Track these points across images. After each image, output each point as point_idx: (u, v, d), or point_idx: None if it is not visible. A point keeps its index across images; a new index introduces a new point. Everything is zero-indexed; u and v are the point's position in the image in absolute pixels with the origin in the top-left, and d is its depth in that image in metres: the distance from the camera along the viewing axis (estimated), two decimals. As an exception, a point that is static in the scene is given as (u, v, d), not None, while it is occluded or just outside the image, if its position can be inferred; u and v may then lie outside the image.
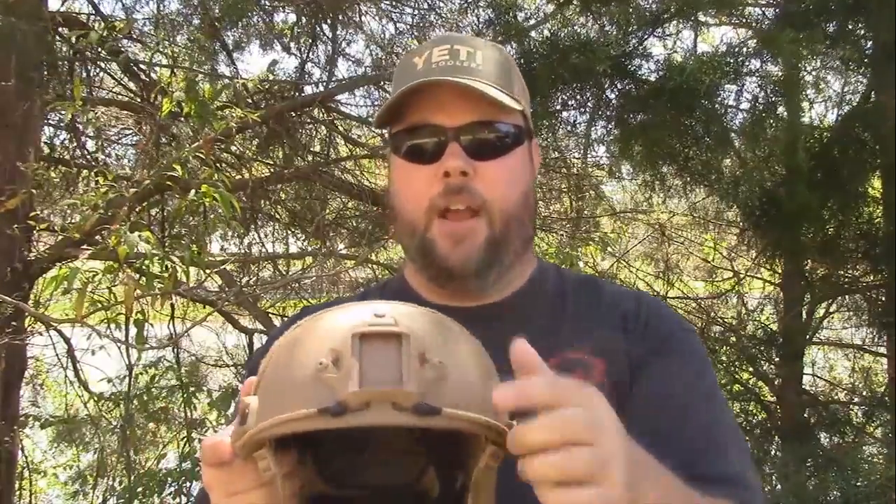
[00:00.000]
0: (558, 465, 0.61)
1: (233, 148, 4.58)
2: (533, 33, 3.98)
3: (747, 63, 3.63)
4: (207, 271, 3.56)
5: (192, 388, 4.96)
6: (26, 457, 5.03)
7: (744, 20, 4.44)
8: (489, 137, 0.98)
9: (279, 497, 0.67)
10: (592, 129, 4.33)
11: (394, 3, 5.09)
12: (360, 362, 0.60)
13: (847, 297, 4.47)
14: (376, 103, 5.12)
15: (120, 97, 5.12)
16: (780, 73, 3.73)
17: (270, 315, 4.75)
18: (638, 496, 0.66)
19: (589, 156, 5.13)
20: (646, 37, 3.74)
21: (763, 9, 4.46)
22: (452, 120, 0.96)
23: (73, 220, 3.28)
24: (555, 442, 0.61)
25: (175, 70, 4.01)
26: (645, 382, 0.95)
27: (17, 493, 4.82)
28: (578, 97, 3.94)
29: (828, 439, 4.16)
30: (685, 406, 0.94)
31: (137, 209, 3.36)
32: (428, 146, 0.97)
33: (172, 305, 4.53)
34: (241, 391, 0.70)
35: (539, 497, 0.61)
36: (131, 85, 5.03)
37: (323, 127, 5.32)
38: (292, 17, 5.04)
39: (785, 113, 3.87)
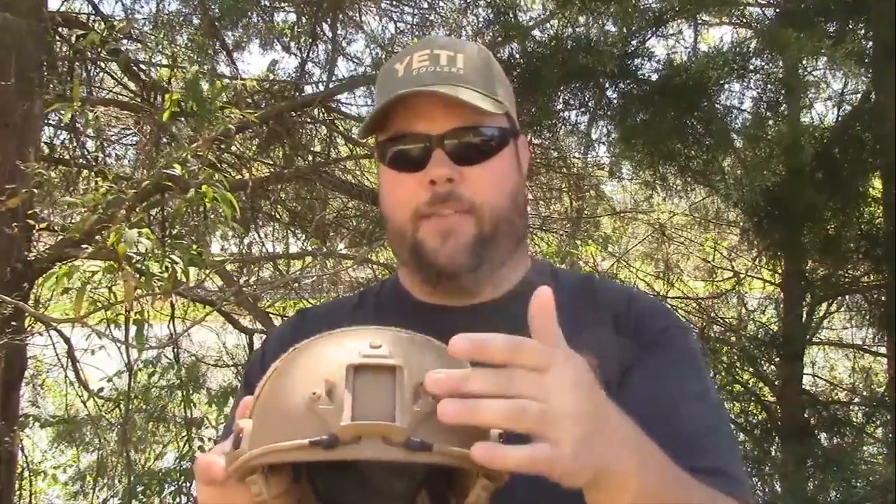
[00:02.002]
0: (504, 408, 0.60)
1: (233, 148, 4.58)
2: (536, 32, 3.98)
3: (750, 61, 3.63)
4: (207, 271, 3.56)
5: (191, 388, 4.96)
6: (26, 457, 5.03)
7: (744, 20, 4.44)
8: (473, 142, 0.98)
9: None
10: (593, 128, 4.33)
11: (394, 3, 5.08)
12: (352, 395, 0.61)
13: (848, 297, 4.47)
14: (374, 104, 5.10)
15: (120, 97, 5.13)
16: (781, 73, 3.73)
17: (270, 315, 4.75)
18: (609, 463, 0.67)
19: (589, 156, 5.13)
20: (648, 37, 3.74)
21: (763, 8, 4.46)
22: (435, 127, 0.97)
23: (73, 220, 3.28)
24: (499, 392, 0.61)
25: (175, 70, 4.02)
26: (635, 378, 0.95)
27: (17, 493, 4.82)
28: (579, 97, 3.94)
29: (828, 440, 4.16)
30: (675, 401, 0.94)
31: (137, 209, 3.36)
32: (412, 154, 0.98)
33: (172, 305, 4.54)
34: (238, 410, 0.71)
35: (479, 455, 0.60)
36: (131, 85, 5.03)
37: (323, 127, 5.32)
38: (292, 17, 5.04)
39: (787, 113, 3.87)
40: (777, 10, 4.16)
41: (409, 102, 0.96)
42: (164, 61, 4.46)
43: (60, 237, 3.56)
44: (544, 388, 0.63)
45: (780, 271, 4.49)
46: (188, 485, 4.67)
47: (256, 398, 0.69)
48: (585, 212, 5.56)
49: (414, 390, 0.62)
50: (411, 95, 0.96)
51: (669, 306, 1.27)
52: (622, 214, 5.93)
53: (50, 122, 4.63)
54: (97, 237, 3.48)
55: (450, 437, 0.61)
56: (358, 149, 5.31)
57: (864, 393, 4.82)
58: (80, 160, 4.72)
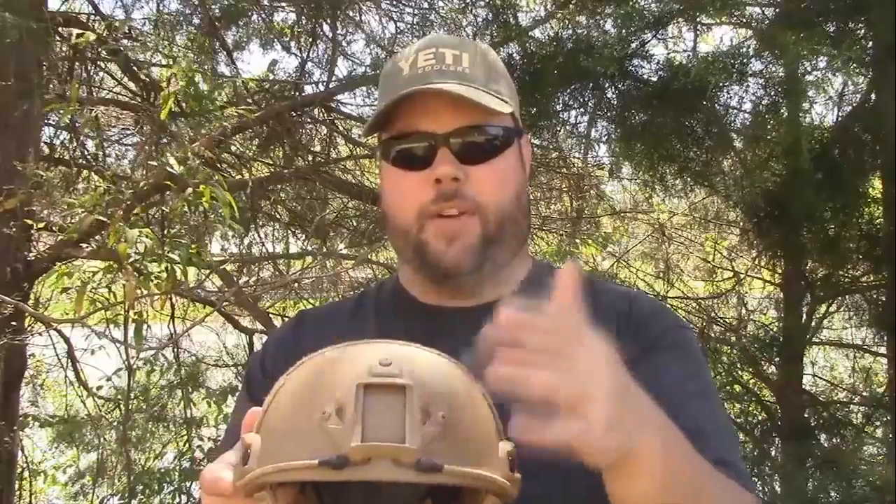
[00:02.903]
0: (548, 379, 0.65)
1: (233, 148, 4.58)
2: (536, 32, 3.98)
3: (749, 64, 3.62)
4: (206, 271, 3.56)
5: (190, 387, 4.96)
6: (26, 457, 5.03)
7: (744, 20, 4.43)
8: (479, 141, 0.98)
9: None
10: (593, 129, 4.33)
11: (394, 3, 5.08)
12: (362, 415, 0.61)
13: (848, 297, 4.46)
14: (376, 103, 5.10)
15: (120, 97, 5.12)
16: (781, 74, 3.72)
17: (270, 315, 4.74)
18: (635, 443, 0.69)
19: (589, 156, 5.13)
20: (647, 38, 3.74)
21: (763, 8, 4.45)
22: (441, 126, 0.96)
23: (72, 221, 3.28)
24: (545, 360, 0.66)
25: (173, 68, 4.01)
26: (637, 380, 0.95)
27: (17, 493, 4.82)
28: (579, 98, 3.93)
29: (828, 440, 4.16)
30: (678, 400, 0.93)
31: (137, 209, 3.35)
32: (417, 152, 0.97)
33: (172, 305, 4.54)
34: (245, 422, 0.71)
35: (518, 430, 0.64)
36: (131, 85, 5.03)
37: (323, 127, 5.32)
38: (292, 17, 5.04)
39: (786, 114, 3.86)
40: (777, 11, 4.15)
41: (415, 100, 0.96)
42: (164, 61, 4.45)
43: (60, 237, 3.56)
44: (580, 363, 0.66)
45: (780, 271, 4.48)
46: (187, 484, 4.68)
47: (264, 412, 0.69)
48: (585, 212, 5.56)
49: (424, 409, 0.62)
50: (417, 93, 0.95)
51: (670, 306, 1.26)
52: (622, 214, 5.93)
53: (50, 122, 4.63)
54: (96, 237, 3.48)
55: (459, 457, 0.62)
56: (358, 149, 5.31)
57: (864, 393, 4.81)
58: (80, 160, 4.72)
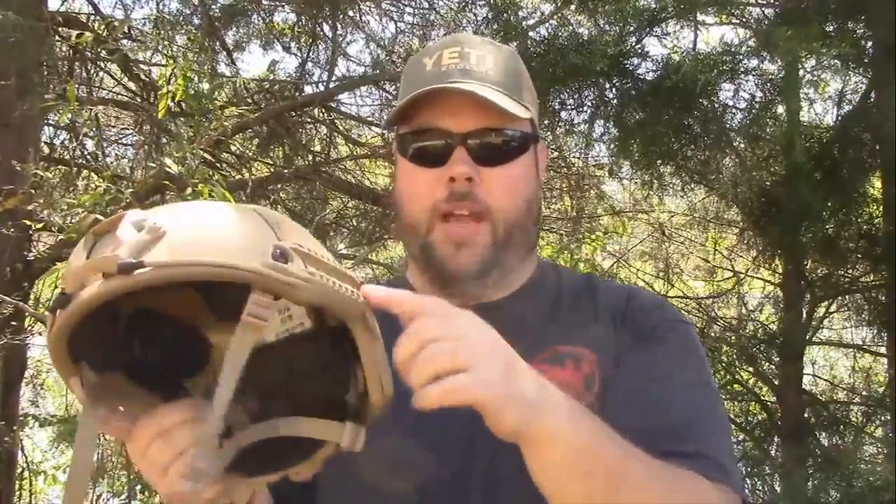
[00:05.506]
0: (428, 355, 0.68)
1: (233, 148, 4.58)
2: (532, 33, 3.98)
3: (745, 61, 3.62)
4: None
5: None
6: (26, 457, 5.03)
7: (744, 20, 4.43)
8: (496, 143, 0.98)
9: None
10: (592, 128, 4.32)
11: (394, 3, 5.08)
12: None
13: (847, 296, 4.46)
14: (376, 103, 5.12)
15: (120, 97, 5.12)
16: (777, 72, 3.72)
17: (270, 315, 4.73)
18: (542, 400, 0.72)
19: (589, 155, 5.12)
20: (643, 36, 3.74)
21: (763, 9, 4.45)
22: (460, 125, 0.97)
23: (72, 221, 3.28)
24: (421, 345, 0.69)
25: (172, 68, 4.01)
26: (624, 369, 0.95)
27: (17, 493, 4.82)
28: (577, 96, 3.93)
29: (828, 440, 4.16)
30: (664, 390, 0.94)
31: (136, 208, 3.34)
32: (434, 150, 0.98)
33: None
34: None
35: (421, 400, 0.68)
36: (131, 85, 5.03)
37: (323, 127, 5.32)
38: (292, 17, 5.04)
39: (784, 112, 3.86)
40: (777, 11, 4.15)
41: (436, 98, 0.96)
42: (164, 61, 4.45)
43: (60, 237, 3.56)
44: (454, 328, 0.71)
45: (779, 271, 4.48)
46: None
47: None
48: (585, 211, 5.55)
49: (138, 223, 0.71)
50: (439, 91, 0.95)
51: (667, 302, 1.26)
52: (622, 214, 5.92)
53: (50, 122, 4.63)
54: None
55: (177, 255, 0.67)
56: (358, 149, 5.31)
57: (864, 393, 4.82)
58: (80, 160, 4.72)
